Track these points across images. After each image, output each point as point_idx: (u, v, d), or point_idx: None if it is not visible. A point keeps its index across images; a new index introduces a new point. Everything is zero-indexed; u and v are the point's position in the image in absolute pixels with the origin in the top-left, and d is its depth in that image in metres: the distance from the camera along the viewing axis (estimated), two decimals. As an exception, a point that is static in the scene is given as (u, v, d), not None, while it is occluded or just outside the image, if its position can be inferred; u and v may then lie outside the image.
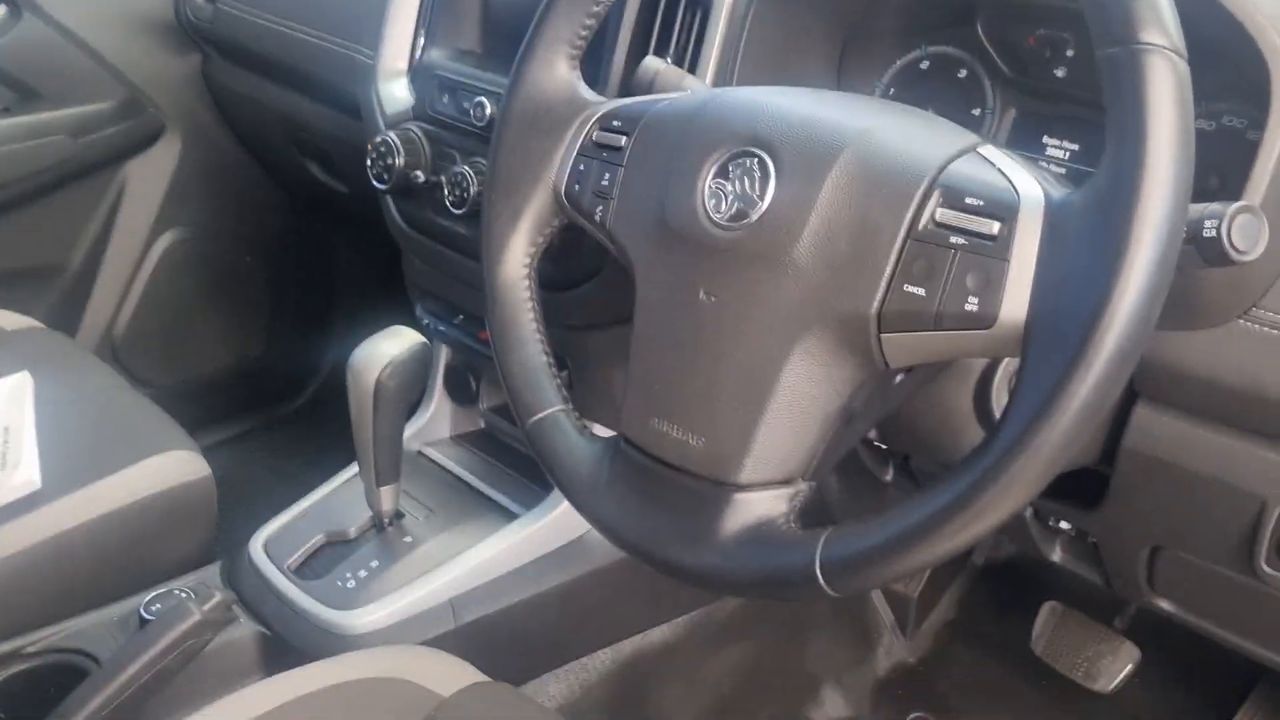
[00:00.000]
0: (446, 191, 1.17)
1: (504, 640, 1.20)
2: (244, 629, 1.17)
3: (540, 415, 0.82)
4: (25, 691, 1.12)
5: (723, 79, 0.99)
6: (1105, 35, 0.58)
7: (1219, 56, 0.74)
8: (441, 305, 1.33)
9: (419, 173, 1.20)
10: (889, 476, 1.21)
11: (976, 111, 1.01)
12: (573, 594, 1.25)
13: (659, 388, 0.74)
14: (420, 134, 1.23)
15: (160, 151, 1.87)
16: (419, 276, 1.34)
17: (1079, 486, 0.94)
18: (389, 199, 1.29)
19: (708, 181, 0.72)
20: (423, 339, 1.16)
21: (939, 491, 0.62)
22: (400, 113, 1.27)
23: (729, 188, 0.71)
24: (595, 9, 0.83)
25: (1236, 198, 0.73)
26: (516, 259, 0.85)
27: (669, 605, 1.36)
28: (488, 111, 1.14)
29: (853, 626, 1.53)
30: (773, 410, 0.69)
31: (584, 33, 0.84)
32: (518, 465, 1.33)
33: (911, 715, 1.48)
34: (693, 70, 1.00)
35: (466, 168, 1.15)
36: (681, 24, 1.02)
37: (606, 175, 0.80)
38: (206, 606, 1.01)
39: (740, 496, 0.70)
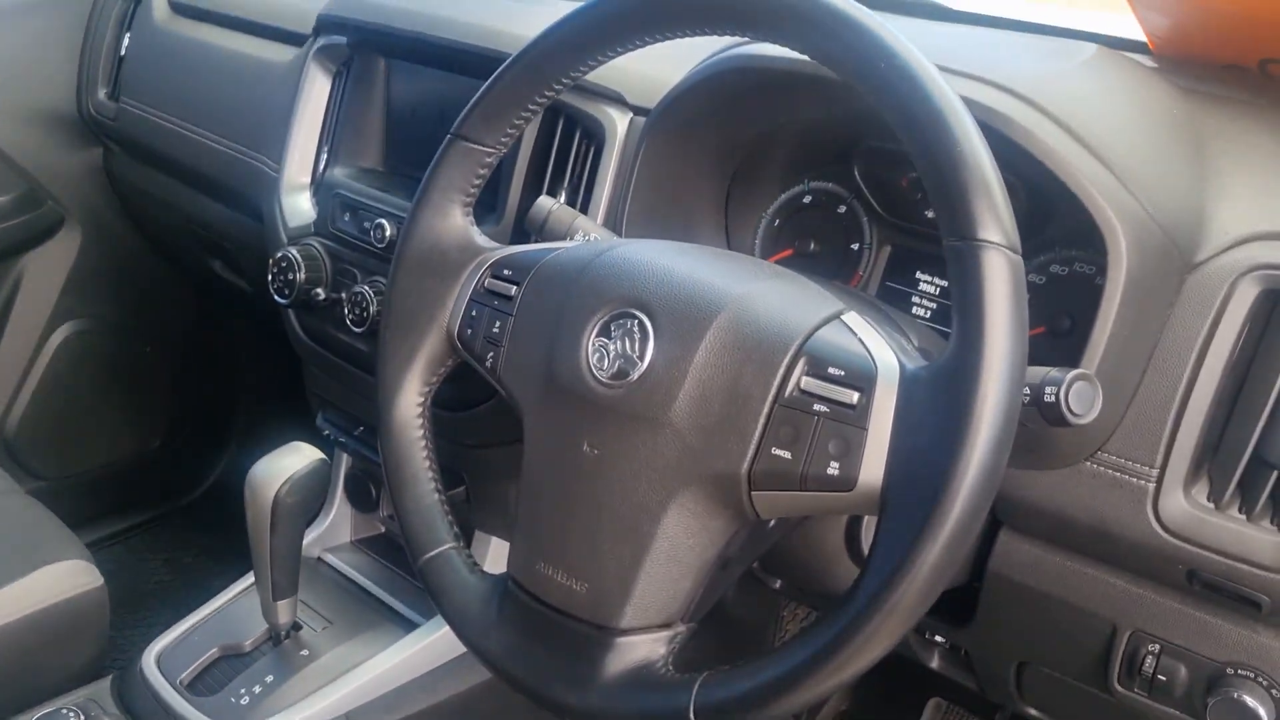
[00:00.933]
0: (347, 310, 1.19)
1: (399, 753, 1.21)
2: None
3: (432, 553, 0.84)
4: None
5: (613, 216, 1.04)
6: (950, 229, 0.64)
7: (1070, 209, 0.81)
8: (342, 416, 1.35)
9: (319, 290, 1.22)
10: (777, 584, 1.25)
11: (855, 246, 1.07)
12: (470, 704, 1.26)
13: (545, 533, 0.77)
14: (321, 250, 1.25)
15: (59, 244, 1.86)
16: (319, 387, 1.36)
17: (951, 601, 0.99)
18: (290, 312, 1.31)
19: (592, 339, 0.76)
20: (321, 456, 1.17)
21: (805, 641, 0.66)
22: (302, 227, 1.30)
23: (611, 347, 0.75)
24: (488, 160, 0.87)
25: (1085, 338, 0.79)
26: (410, 399, 0.88)
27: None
28: (387, 233, 1.17)
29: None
30: (651, 559, 0.73)
31: (477, 181, 0.88)
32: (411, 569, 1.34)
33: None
34: (585, 208, 1.04)
35: (366, 287, 1.18)
36: (574, 163, 1.07)
37: (497, 323, 0.83)
38: (90, 733, 1.01)
39: (621, 640, 0.73)
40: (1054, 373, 0.69)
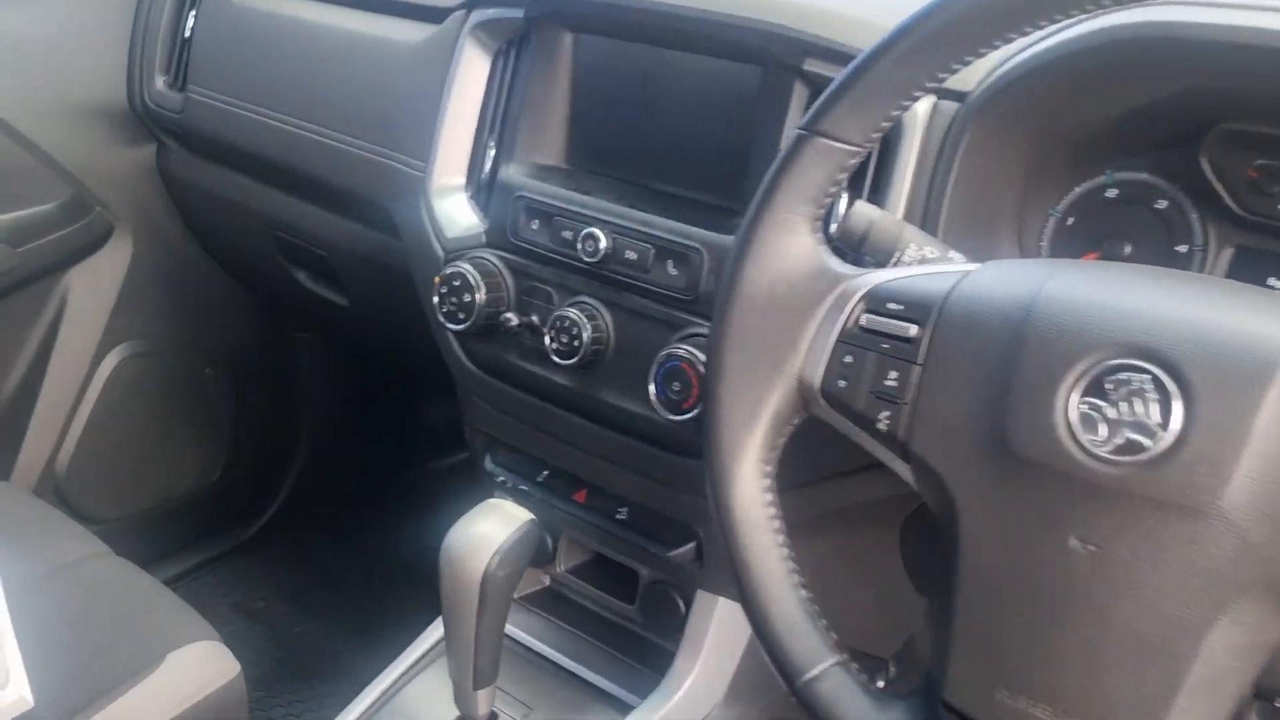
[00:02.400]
0: (550, 338, 0.99)
1: None
2: None
3: (815, 672, 0.66)
4: None
5: (911, 218, 0.86)
6: None
7: None
8: (521, 459, 1.15)
9: (510, 315, 1.02)
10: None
11: (1182, 248, 0.89)
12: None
13: (1008, 653, 0.59)
14: (500, 265, 1.05)
15: (108, 256, 1.62)
16: (489, 424, 1.15)
17: None
18: (454, 339, 1.11)
19: (1073, 399, 0.58)
20: (530, 516, 0.97)
21: None
22: (467, 238, 1.09)
23: (1110, 411, 0.56)
24: (851, 162, 0.68)
25: None
26: (754, 469, 0.69)
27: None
28: (601, 245, 0.97)
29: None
30: (1189, 691, 0.55)
31: (833, 189, 0.69)
32: (607, 637, 1.15)
33: None
34: (878, 200, 0.86)
35: (574, 311, 0.98)
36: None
37: (893, 374, 0.64)
38: None
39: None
40: None
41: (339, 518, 1.97)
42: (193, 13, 1.48)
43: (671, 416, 0.92)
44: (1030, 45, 0.80)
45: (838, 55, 0.87)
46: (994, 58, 0.81)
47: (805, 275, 0.69)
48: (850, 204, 0.77)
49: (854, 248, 0.77)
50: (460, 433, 2.05)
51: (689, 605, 1.09)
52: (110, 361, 1.65)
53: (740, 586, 0.68)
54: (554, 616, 1.18)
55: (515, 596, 1.22)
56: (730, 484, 0.69)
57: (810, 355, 0.68)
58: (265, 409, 1.87)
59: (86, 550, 1.22)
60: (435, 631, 1.15)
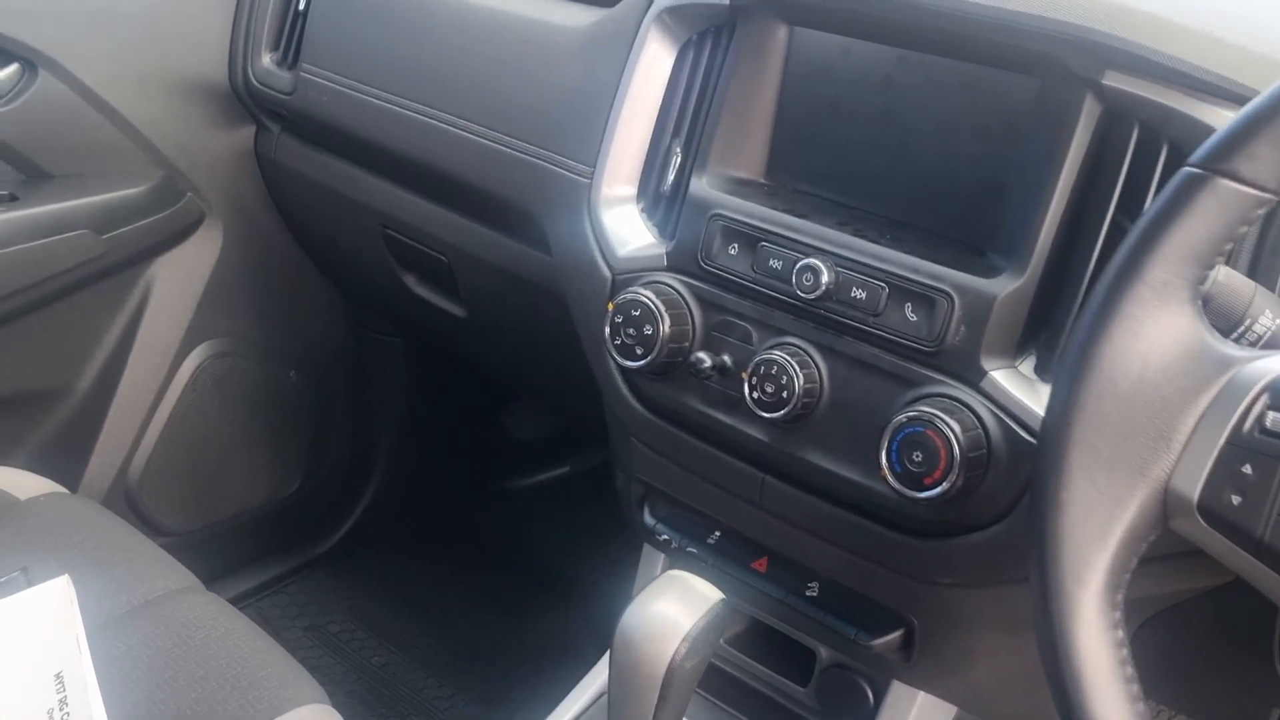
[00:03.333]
0: (750, 386, 0.84)
1: None
2: None
3: None
4: None
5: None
6: None
7: None
8: (688, 517, 0.99)
9: (702, 356, 0.87)
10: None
11: None
12: None
13: None
14: (686, 295, 0.90)
15: (196, 246, 1.48)
16: (649, 471, 1.00)
17: None
18: (619, 375, 0.95)
19: None
20: (719, 595, 0.82)
21: None
22: (642, 259, 0.94)
23: None
24: (1259, 211, 0.52)
25: None
26: (1103, 603, 0.54)
27: None
28: (823, 280, 0.81)
29: None
30: None
31: (1228, 246, 0.53)
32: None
33: None
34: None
35: (781, 354, 0.83)
36: (1156, 191, 0.72)
37: (1329, 497, 0.49)
38: None
39: None
40: None
41: (420, 536, 1.83)
42: (313, -18, 1.33)
43: (910, 492, 0.76)
44: None
45: (1155, 69, 0.71)
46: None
47: (1184, 356, 0.53)
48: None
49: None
50: (549, 453, 1.93)
51: (879, 696, 0.93)
52: (192, 362, 1.51)
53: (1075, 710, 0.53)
54: (711, 695, 1.03)
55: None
56: (1073, 620, 0.53)
57: (1186, 459, 0.53)
58: (349, 417, 1.73)
59: (175, 583, 1.08)
60: (580, 696, 1.01)
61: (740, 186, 0.91)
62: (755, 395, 0.84)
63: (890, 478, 0.77)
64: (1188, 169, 0.53)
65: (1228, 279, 0.61)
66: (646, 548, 1.09)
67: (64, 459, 1.41)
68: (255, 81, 1.38)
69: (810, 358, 0.83)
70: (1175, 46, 0.71)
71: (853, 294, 0.81)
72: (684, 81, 0.95)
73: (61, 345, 1.41)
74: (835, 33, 0.86)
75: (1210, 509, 0.52)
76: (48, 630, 0.98)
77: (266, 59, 1.38)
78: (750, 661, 1.02)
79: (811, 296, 0.82)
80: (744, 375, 0.85)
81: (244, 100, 1.42)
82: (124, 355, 1.46)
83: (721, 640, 1.04)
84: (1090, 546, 0.54)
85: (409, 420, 1.80)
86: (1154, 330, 0.53)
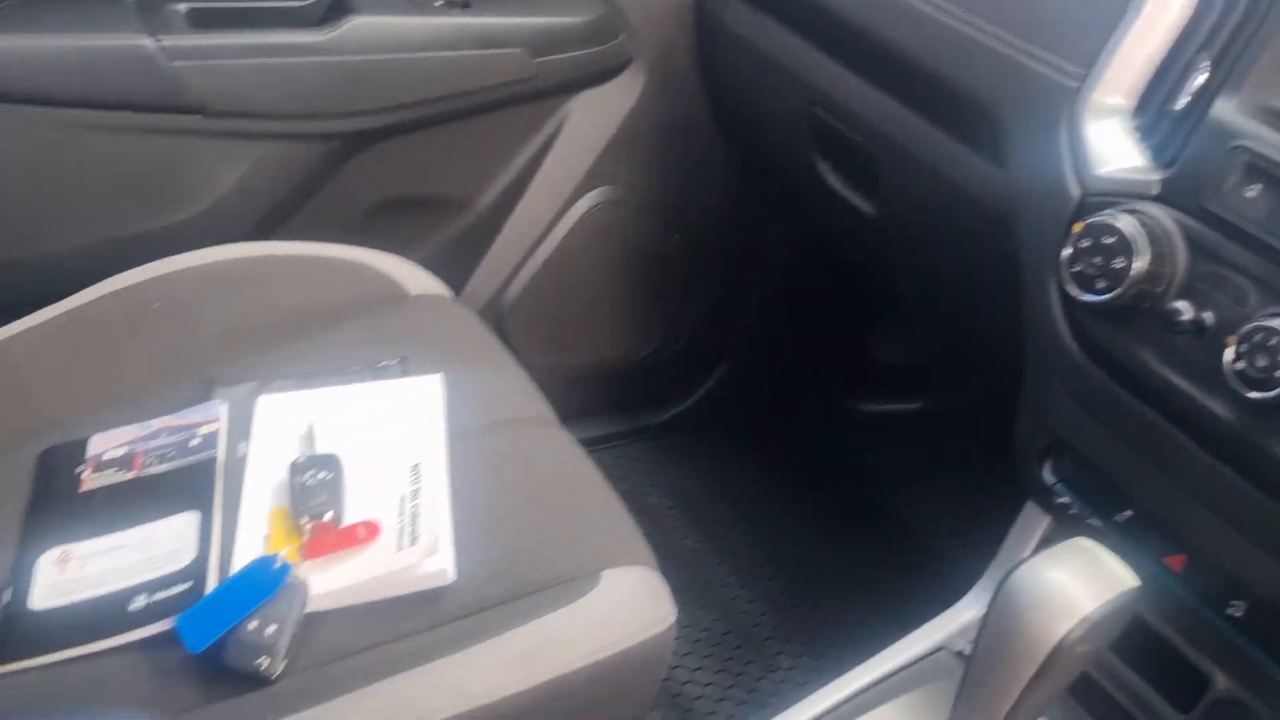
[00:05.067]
0: (1233, 353, 0.69)
1: None
2: None
3: None
4: None
5: None
6: None
7: None
8: (1098, 485, 0.86)
9: (1182, 305, 0.73)
10: None
11: None
12: None
13: None
14: (1175, 233, 0.75)
15: (616, 90, 1.46)
16: (1063, 422, 0.87)
17: None
18: (1061, 310, 0.83)
19: None
20: (1135, 580, 0.70)
21: None
22: (1125, 182, 0.80)
23: None
24: None
25: None
26: None
27: None
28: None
29: None
30: None
31: None
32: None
33: None
34: None
35: (1282, 324, 0.68)
36: None
37: None
38: None
39: None
40: None
41: (755, 432, 1.77)
42: None
43: None
44: None
45: None
46: None
47: None
48: None
49: None
50: (906, 383, 1.81)
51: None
52: (585, 204, 1.50)
53: None
54: (1072, 696, 0.90)
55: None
56: None
57: None
58: (717, 295, 1.68)
59: (534, 411, 1.07)
60: (911, 648, 0.91)
61: (1275, 116, 0.75)
62: (1240, 366, 0.69)
63: None
64: None
65: None
66: (1028, 507, 0.96)
67: (454, 267, 1.44)
68: (715, -75, 1.32)
69: (1326, 337, 0.67)
70: None
71: None
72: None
73: (474, 160, 1.44)
74: None
75: None
76: (414, 421, 1.00)
77: (733, -99, 1.31)
78: (1124, 668, 0.89)
79: (1351, 265, 0.66)
80: (1228, 340, 0.70)
81: (698, -55, 1.37)
82: (526, 182, 1.47)
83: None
84: None
85: (774, 311, 1.73)
86: None
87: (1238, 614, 0.77)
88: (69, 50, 1.14)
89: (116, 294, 1.13)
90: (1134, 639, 0.89)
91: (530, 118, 1.43)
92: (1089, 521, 0.85)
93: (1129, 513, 0.83)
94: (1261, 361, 0.68)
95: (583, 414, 1.69)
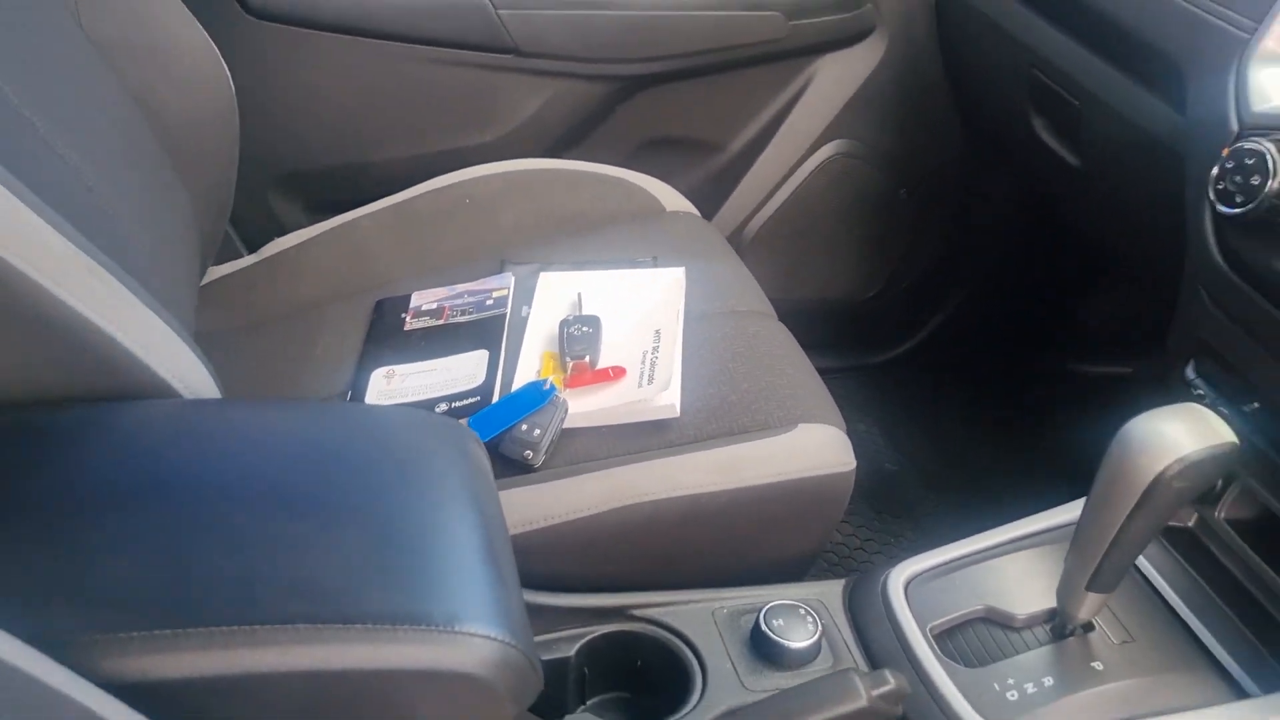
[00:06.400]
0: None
1: None
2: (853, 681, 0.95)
3: None
4: (612, 653, 0.99)
5: None
6: None
7: None
8: (1232, 381, 1.00)
9: (1306, 214, 0.86)
10: None
11: None
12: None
13: None
14: (1312, 158, 0.88)
15: (859, 53, 1.65)
16: (1208, 328, 1.01)
17: None
18: (1212, 224, 0.97)
19: None
20: (1233, 439, 0.84)
21: None
22: (1274, 115, 0.93)
23: None
24: None
25: None
26: None
27: None
28: None
29: None
30: None
31: None
32: (1254, 619, 0.98)
33: None
34: None
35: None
36: None
37: None
38: (876, 692, 0.80)
39: None
40: None
41: (969, 378, 1.92)
42: None
43: None
44: None
45: None
46: None
47: None
48: None
49: None
50: (1115, 346, 1.89)
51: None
52: (823, 154, 1.70)
53: None
54: (1190, 565, 1.04)
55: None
56: None
57: None
58: (941, 247, 1.84)
59: (756, 305, 1.28)
60: (1063, 514, 1.07)
61: None
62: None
63: None
64: None
65: None
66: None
67: (707, 199, 1.67)
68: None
69: None
70: None
71: None
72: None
73: (730, 109, 1.67)
74: None
75: None
76: (660, 299, 1.23)
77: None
78: (1242, 545, 1.01)
79: None
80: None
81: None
82: (773, 131, 1.69)
83: (1222, 518, 1.05)
84: None
85: (995, 267, 1.87)
86: None
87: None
88: (423, 1, 1.45)
89: (437, 191, 1.42)
90: (1250, 519, 1.02)
91: (782, 74, 1.64)
92: (1221, 410, 0.98)
93: (1255, 404, 0.96)
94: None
95: (806, 346, 1.90)
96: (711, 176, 1.70)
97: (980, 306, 1.92)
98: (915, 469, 1.75)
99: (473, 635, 0.63)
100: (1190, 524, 1.08)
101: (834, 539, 1.56)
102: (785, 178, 1.71)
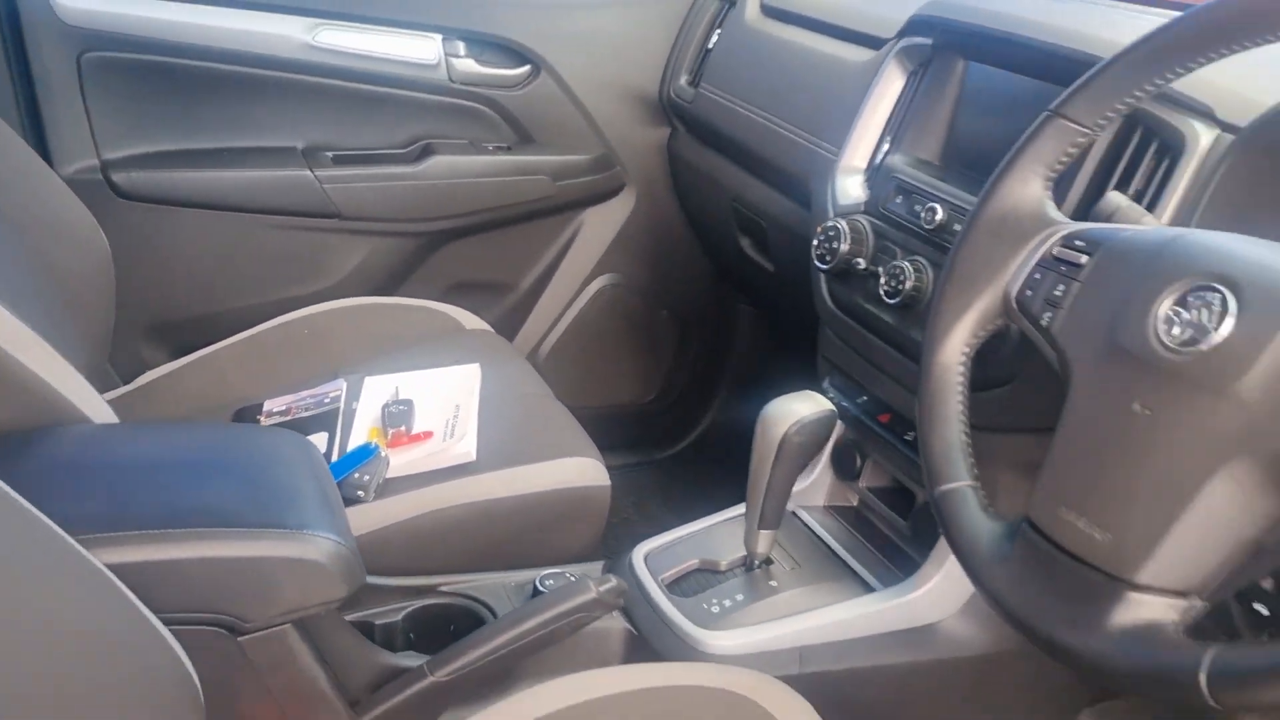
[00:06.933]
0: (883, 281, 1.28)
1: (839, 699, 1.26)
2: (616, 622, 1.32)
3: (950, 486, 0.90)
4: (431, 620, 1.32)
5: (1179, 222, 1.04)
6: None
7: None
8: (848, 383, 1.44)
9: (860, 260, 1.32)
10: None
11: None
12: (915, 677, 1.30)
13: (1075, 483, 0.80)
14: (867, 226, 1.35)
15: (616, 206, 2.13)
16: (832, 352, 1.46)
17: None
18: (823, 278, 1.43)
19: (1164, 307, 0.78)
20: (831, 407, 1.27)
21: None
22: (851, 205, 1.41)
23: (1185, 315, 0.77)
24: (1080, 140, 0.91)
25: None
26: (956, 346, 0.95)
27: (1005, 717, 1.37)
28: (938, 217, 1.24)
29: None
30: (1185, 523, 0.73)
31: (1065, 158, 0.93)
32: (882, 546, 1.40)
33: None
34: (1151, 209, 1.05)
35: (906, 263, 1.26)
36: (1147, 165, 1.08)
37: (1061, 287, 0.87)
38: (603, 588, 1.16)
39: (1134, 595, 0.75)
40: None
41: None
42: (717, 30, 1.94)
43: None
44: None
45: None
46: (1262, 98, 0.99)
47: (1029, 216, 0.93)
48: (1108, 191, 1.00)
49: (1104, 223, 0.99)
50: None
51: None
52: (595, 286, 2.15)
53: (920, 418, 0.94)
54: (843, 519, 1.45)
55: (824, 504, 1.52)
56: (936, 352, 0.95)
57: (1016, 274, 0.92)
58: (700, 357, 2.29)
59: (537, 389, 1.68)
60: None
61: (920, 163, 1.36)
62: (885, 288, 1.27)
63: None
64: (1048, 111, 0.93)
65: (1127, 208, 0.99)
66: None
67: (507, 325, 2.09)
68: (671, 95, 2.01)
69: (925, 267, 1.25)
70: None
71: (955, 227, 1.23)
72: (906, 97, 1.41)
73: (516, 255, 2.11)
74: (984, 62, 1.29)
75: (1020, 300, 0.91)
76: (459, 385, 1.61)
77: (681, 79, 1.99)
78: (877, 502, 1.43)
79: (930, 228, 1.25)
80: (882, 276, 1.29)
81: (665, 107, 2.05)
82: (553, 271, 2.13)
83: (865, 486, 1.47)
84: (956, 317, 0.94)
85: (747, 371, 2.32)
86: (1016, 201, 0.94)
87: (910, 440, 1.32)
88: (264, 178, 1.85)
89: (283, 324, 1.79)
90: (884, 489, 1.44)
91: (556, 224, 2.10)
92: (844, 405, 1.42)
93: (864, 398, 1.41)
94: (894, 284, 1.26)
95: (615, 446, 2.29)
96: (509, 309, 2.13)
97: (745, 404, 2.36)
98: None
99: (317, 535, 0.99)
100: (855, 503, 1.50)
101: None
102: (567, 307, 2.15)
